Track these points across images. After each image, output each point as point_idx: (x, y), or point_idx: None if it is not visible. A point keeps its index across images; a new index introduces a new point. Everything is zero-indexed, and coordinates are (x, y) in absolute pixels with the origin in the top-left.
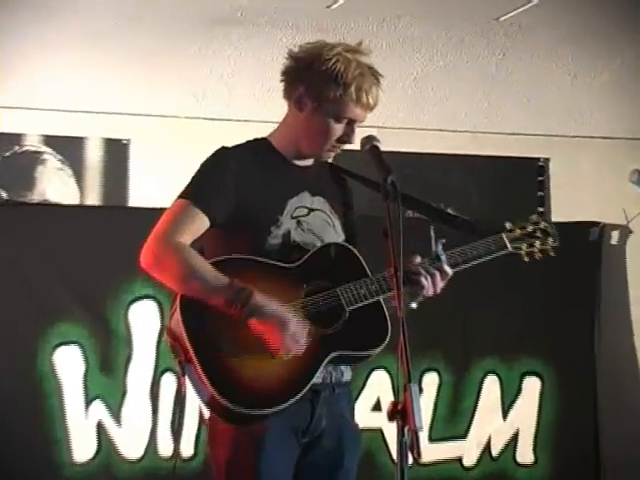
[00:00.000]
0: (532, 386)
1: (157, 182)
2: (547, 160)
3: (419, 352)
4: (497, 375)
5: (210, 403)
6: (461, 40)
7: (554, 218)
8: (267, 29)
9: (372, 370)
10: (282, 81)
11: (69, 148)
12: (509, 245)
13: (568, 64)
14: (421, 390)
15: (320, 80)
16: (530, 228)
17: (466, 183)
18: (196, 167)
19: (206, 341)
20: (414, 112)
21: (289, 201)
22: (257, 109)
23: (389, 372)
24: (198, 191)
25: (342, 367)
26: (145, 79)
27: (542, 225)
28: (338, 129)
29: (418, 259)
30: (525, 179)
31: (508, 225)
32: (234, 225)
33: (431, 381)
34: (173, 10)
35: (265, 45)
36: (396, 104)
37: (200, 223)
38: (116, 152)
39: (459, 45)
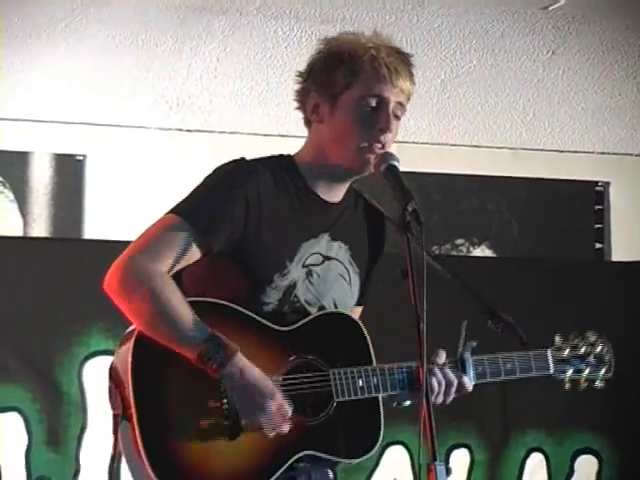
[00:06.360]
0: (587, 467)
1: (119, 208)
2: (607, 184)
3: (446, 424)
4: (543, 453)
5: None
6: (500, 35)
7: (615, 256)
8: (259, 19)
9: (387, 446)
10: (297, 108)
11: (10, 166)
12: (552, 367)
13: (634, 64)
14: (449, 471)
15: (325, 70)
16: (583, 350)
17: (505, 212)
18: (170, 190)
19: (157, 399)
20: (441, 124)
21: (303, 244)
22: (245, 118)
23: (408, 448)
24: (198, 209)
25: None
26: (105, 81)
27: (598, 349)
28: (366, 117)
29: (443, 357)
30: (579, 207)
31: (557, 339)
32: (230, 260)
33: (461, 459)
34: None
35: (256, 39)
36: (419, 114)
37: (190, 251)
38: (69, 171)
39: (498, 41)
